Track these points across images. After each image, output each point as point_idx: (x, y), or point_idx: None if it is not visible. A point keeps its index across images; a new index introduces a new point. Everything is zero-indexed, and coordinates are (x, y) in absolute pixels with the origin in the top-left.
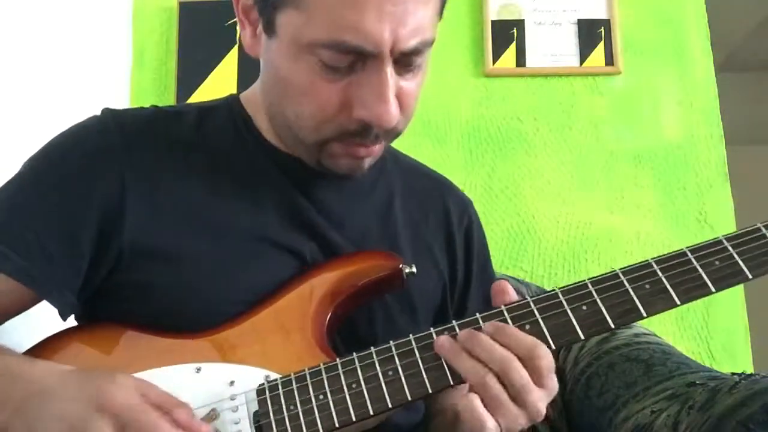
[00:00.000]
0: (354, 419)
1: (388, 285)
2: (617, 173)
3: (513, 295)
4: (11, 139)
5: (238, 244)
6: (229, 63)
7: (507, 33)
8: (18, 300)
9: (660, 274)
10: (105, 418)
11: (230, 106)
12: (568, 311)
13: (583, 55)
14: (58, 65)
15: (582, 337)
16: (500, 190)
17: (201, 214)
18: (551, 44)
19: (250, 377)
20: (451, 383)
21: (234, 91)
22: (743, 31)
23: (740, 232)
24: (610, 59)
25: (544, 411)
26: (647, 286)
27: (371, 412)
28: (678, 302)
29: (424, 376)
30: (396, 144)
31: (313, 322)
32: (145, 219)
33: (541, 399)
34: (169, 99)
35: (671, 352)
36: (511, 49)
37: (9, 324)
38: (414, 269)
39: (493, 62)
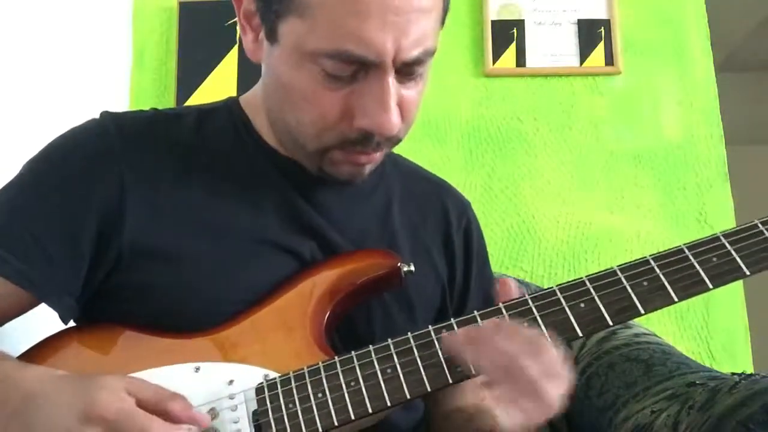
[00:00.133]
0: (353, 417)
1: (386, 283)
2: (617, 173)
3: (515, 294)
4: (11, 139)
5: (237, 245)
6: (229, 63)
7: (507, 33)
8: (17, 303)
9: (658, 271)
10: (94, 427)
11: (230, 108)
12: (566, 309)
13: (583, 55)
14: (58, 65)
15: (580, 334)
16: (500, 190)
17: (200, 216)
18: (551, 44)
19: (249, 376)
20: (450, 382)
21: (234, 91)
22: (743, 31)
23: (738, 228)
24: (610, 59)
25: (559, 402)
26: (645, 283)
27: (370, 411)
28: (676, 299)
29: (423, 374)
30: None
31: (312, 320)
32: (145, 220)
33: (552, 391)
34: (169, 99)
35: (671, 352)
36: (511, 49)
37: (8, 324)
38: (412, 268)
39: (493, 62)
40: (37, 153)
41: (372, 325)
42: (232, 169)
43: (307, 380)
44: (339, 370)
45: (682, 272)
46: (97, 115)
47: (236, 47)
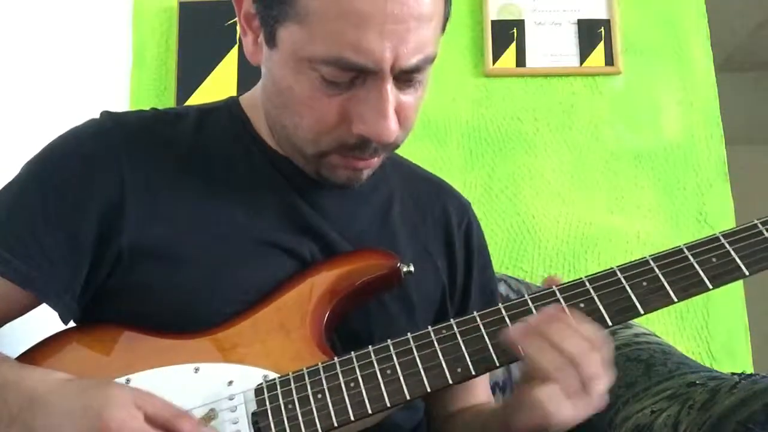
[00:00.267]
0: (353, 418)
1: (386, 284)
2: (617, 173)
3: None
4: (11, 139)
5: (237, 245)
6: (229, 63)
7: (507, 33)
8: (18, 303)
9: (657, 271)
10: None
11: (230, 108)
12: (566, 309)
13: (583, 55)
14: (59, 65)
15: None
16: (500, 190)
17: (200, 216)
18: (551, 44)
19: (248, 377)
20: (450, 382)
21: (234, 91)
22: (743, 31)
23: (737, 228)
24: (610, 59)
25: (603, 399)
26: (644, 284)
27: (370, 411)
28: (675, 299)
29: (423, 375)
30: None
31: (312, 320)
32: (145, 220)
33: (603, 387)
34: (169, 99)
35: (671, 352)
36: (511, 49)
37: (8, 325)
38: (412, 268)
39: (493, 62)
40: (37, 153)
41: (371, 326)
42: (232, 170)
43: (307, 381)
44: (338, 370)
45: (681, 272)
46: (97, 115)
47: (236, 47)
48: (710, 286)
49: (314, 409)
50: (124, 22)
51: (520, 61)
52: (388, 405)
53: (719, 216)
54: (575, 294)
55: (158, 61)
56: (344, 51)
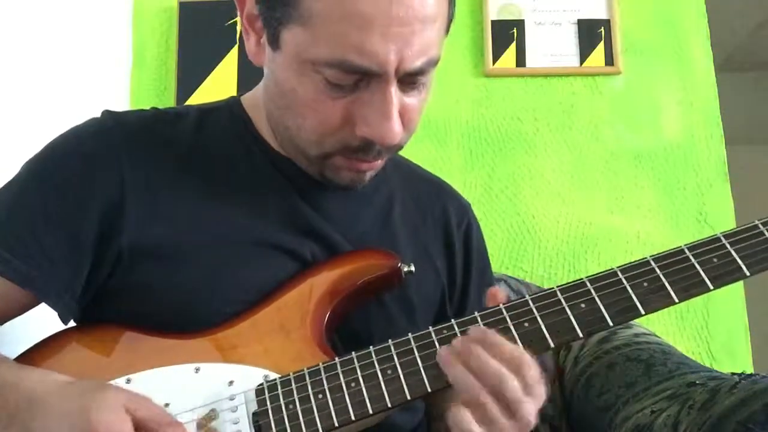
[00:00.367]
0: (353, 418)
1: (387, 283)
2: (617, 173)
3: (504, 300)
4: (11, 139)
5: (237, 245)
6: (229, 63)
7: (507, 33)
8: (17, 302)
9: (658, 271)
10: None
11: (231, 108)
12: (567, 309)
13: (583, 55)
14: (59, 65)
15: (581, 335)
16: (500, 190)
17: (200, 216)
18: (551, 44)
19: (249, 377)
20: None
21: (234, 91)
22: (743, 31)
23: (738, 229)
24: (610, 59)
25: (534, 421)
26: (645, 284)
27: (371, 411)
28: (676, 300)
29: (423, 375)
30: None
31: (312, 320)
32: (145, 220)
33: (532, 409)
34: (169, 99)
35: (671, 352)
36: (511, 49)
37: (8, 324)
38: (412, 268)
39: (493, 62)
40: (38, 152)
41: (371, 328)
42: (232, 170)
43: (308, 381)
44: (339, 370)
45: (682, 273)
46: (97, 115)
47: (236, 47)
48: (711, 287)
49: (315, 409)
50: (124, 22)
51: (520, 61)
52: (389, 405)
53: (719, 216)
54: (576, 294)
55: (158, 61)
56: (348, 53)
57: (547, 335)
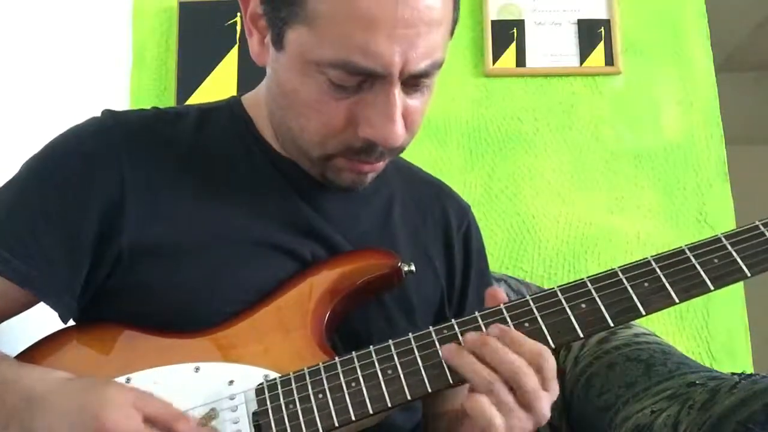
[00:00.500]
0: (353, 418)
1: (387, 283)
2: (617, 173)
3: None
4: (11, 139)
5: (237, 245)
6: (229, 63)
7: (507, 33)
8: (16, 301)
9: (659, 272)
10: None
11: (232, 108)
12: (567, 310)
13: (583, 55)
14: (59, 65)
15: (581, 335)
16: (500, 190)
17: (201, 216)
18: (551, 44)
19: (249, 376)
20: (451, 383)
21: (234, 91)
22: (743, 31)
23: (739, 230)
24: (610, 59)
25: (549, 414)
26: (646, 284)
27: (371, 411)
28: (677, 300)
29: (424, 375)
30: None
31: (312, 320)
32: (145, 220)
33: (547, 403)
34: (169, 99)
35: (671, 352)
36: (511, 49)
37: (7, 323)
38: (413, 268)
39: (493, 62)
40: (38, 152)
41: (371, 327)
42: (233, 170)
43: (308, 381)
44: (339, 370)
45: (683, 273)
46: (97, 115)
47: (236, 47)
48: (712, 287)
49: (315, 409)
50: (124, 22)
51: (520, 61)
52: (389, 405)
53: (719, 216)
54: (577, 294)
55: (158, 61)
56: (353, 55)
57: (548, 335)
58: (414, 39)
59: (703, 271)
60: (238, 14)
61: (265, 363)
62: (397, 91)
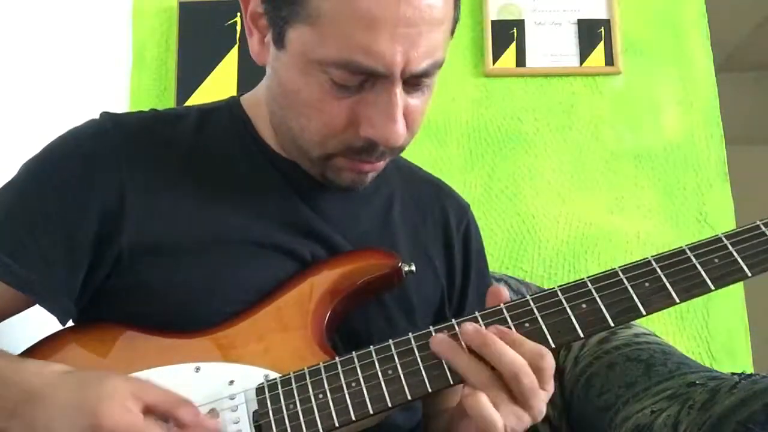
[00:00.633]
0: (354, 418)
1: (387, 283)
2: (617, 173)
3: (507, 299)
4: (11, 139)
5: (237, 246)
6: (229, 63)
7: (507, 33)
8: (13, 303)
9: (659, 272)
10: None
11: (231, 108)
12: (568, 310)
13: (583, 55)
14: (59, 65)
15: (581, 335)
16: (500, 190)
17: (200, 216)
18: (551, 44)
19: (249, 376)
20: (451, 383)
21: (234, 91)
22: (743, 31)
23: (740, 229)
24: (610, 59)
25: (545, 411)
26: (646, 284)
27: (371, 411)
28: (677, 300)
29: (424, 375)
30: None
31: (313, 320)
32: (144, 221)
33: (544, 401)
34: (169, 99)
35: (671, 352)
36: (511, 49)
37: (6, 323)
38: (413, 267)
39: (493, 62)
40: (37, 154)
41: (371, 327)
42: (232, 170)
43: (308, 381)
44: (340, 370)
45: (683, 273)
46: (97, 116)
47: (236, 47)
48: (712, 287)
49: (315, 409)
50: (124, 22)
51: (520, 61)
52: (390, 405)
53: (719, 216)
54: (577, 294)
55: (158, 61)
56: (355, 54)
57: (548, 335)
58: (416, 38)
59: (704, 271)
60: (238, 14)
61: (265, 363)
62: (399, 91)
